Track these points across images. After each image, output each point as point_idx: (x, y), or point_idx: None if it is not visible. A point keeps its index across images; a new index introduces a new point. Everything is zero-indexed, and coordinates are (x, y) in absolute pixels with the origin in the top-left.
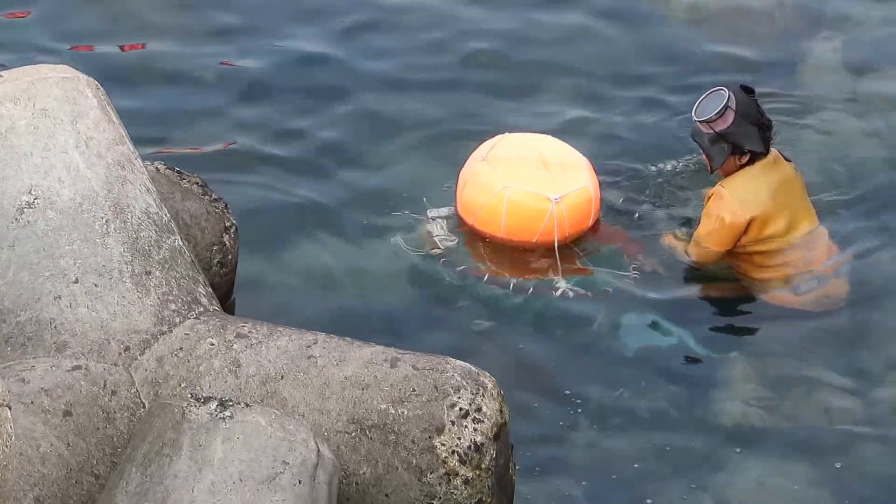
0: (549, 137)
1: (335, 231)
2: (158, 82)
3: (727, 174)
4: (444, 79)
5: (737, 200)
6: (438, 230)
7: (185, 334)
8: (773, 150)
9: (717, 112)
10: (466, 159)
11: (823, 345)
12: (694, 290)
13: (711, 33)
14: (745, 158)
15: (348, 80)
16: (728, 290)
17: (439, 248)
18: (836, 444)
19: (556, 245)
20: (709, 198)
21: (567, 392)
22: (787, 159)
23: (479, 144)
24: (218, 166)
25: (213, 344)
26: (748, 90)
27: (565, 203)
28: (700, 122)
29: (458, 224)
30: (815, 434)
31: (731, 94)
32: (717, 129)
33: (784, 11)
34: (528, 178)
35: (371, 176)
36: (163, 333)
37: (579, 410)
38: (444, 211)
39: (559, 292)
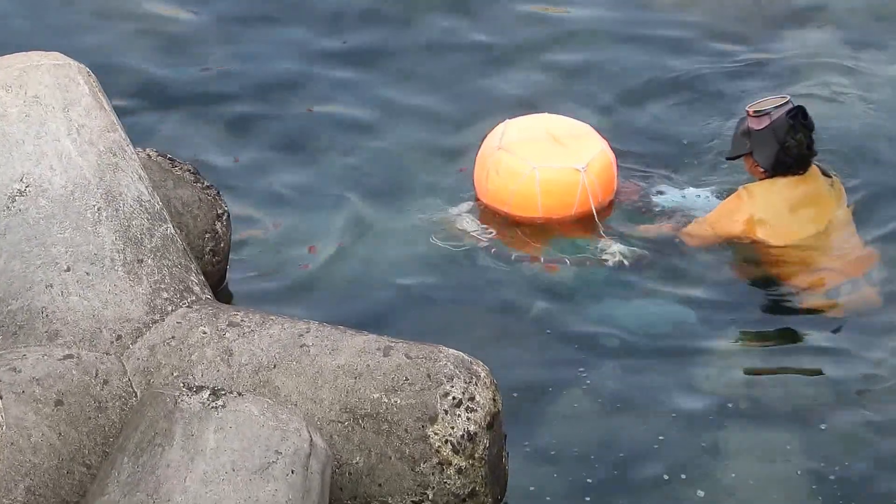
0: (546, 115)
1: (329, 218)
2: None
3: (754, 175)
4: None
5: (751, 211)
6: (472, 225)
7: (178, 323)
8: (813, 166)
9: (762, 111)
10: (478, 152)
11: (841, 344)
12: (716, 273)
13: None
14: (762, 168)
15: (342, 68)
16: (747, 275)
17: (483, 240)
18: (829, 439)
19: (594, 213)
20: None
21: (566, 381)
22: (826, 174)
23: (485, 135)
24: (212, 151)
25: (205, 332)
26: (804, 114)
27: (591, 170)
28: (748, 109)
29: (484, 215)
30: (810, 429)
31: (784, 107)
32: (750, 125)
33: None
34: (550, 155)
35: (365, 160)
36: (155, 322)
37: (577, 400)
38: (466, 206)
39: (614, 259)
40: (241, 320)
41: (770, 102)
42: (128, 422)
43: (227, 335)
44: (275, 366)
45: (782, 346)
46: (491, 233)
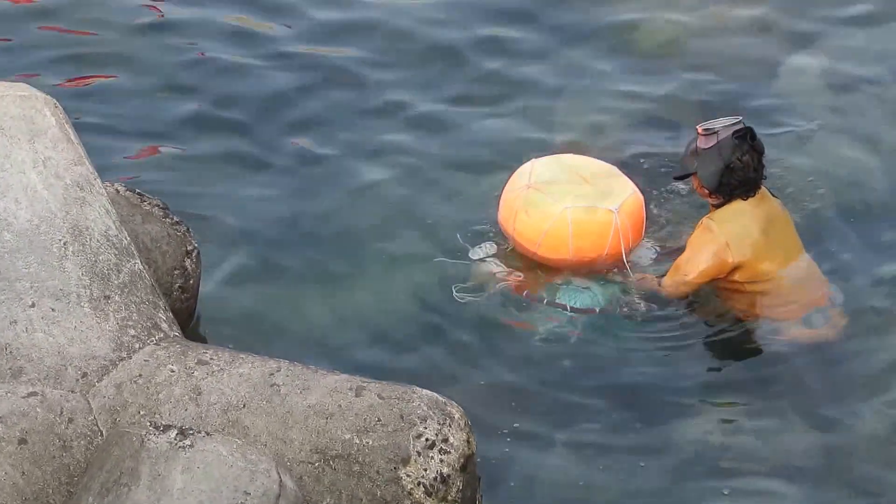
0: (569, 155)
1: (302, 255)
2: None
3: (712, 203)
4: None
5: (724, 239)
6: (498, 267)
7: (145, 360)
8: (763, 188)
9: (710, 130)
10: (502, 192)
11: (827, 373)
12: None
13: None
14: (706, 188)
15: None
16: (728, 322)
17: (510, 282)
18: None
19: (624, 257)
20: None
21: (543, 422)
22: (773, 195)
23: (510, 175)
24: (180, 182)
25: (173, 371)
26: (752, 135)
27: (624, 211)
28: (698, 128)
29: (506, 258)
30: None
31: (733, 127)
32: (698, 143)
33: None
34: (582, 195)
35: (344, 193)
36: (122, 359)
37: (553, 442)
38: (488, 247)
39: (631, 307)
40: (210, 358)
41: (720, 122)
42: (93, 461)
43: (196, 373)
44: (244, 405)
45: (767, 388)
46: (520, 275)
